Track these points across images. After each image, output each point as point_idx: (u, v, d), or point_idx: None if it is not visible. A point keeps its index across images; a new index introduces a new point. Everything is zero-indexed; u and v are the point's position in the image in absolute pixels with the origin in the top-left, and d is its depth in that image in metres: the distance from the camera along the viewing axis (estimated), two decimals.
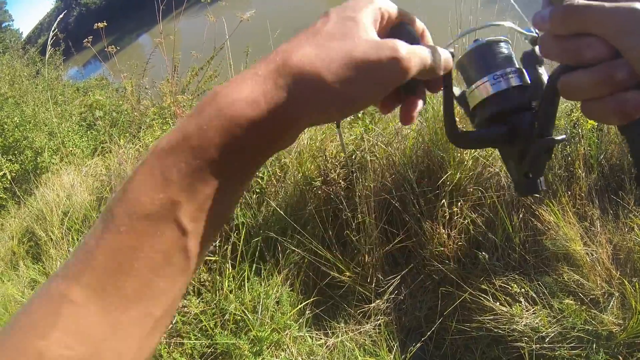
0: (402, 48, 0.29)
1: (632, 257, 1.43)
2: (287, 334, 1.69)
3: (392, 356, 1.63)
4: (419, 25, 0.36)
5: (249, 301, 1.71)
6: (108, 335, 0.25)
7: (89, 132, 3.82)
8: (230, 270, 1.88)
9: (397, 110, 0.37)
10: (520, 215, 1.58)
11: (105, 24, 3.04)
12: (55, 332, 0.24)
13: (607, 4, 0.27)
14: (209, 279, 1.86)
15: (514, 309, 1.42)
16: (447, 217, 1.65)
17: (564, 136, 0.37)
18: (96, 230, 0.27)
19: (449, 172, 1.73)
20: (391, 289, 1.76)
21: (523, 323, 1.39)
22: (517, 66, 0.37)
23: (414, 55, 0.30)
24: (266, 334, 1.64)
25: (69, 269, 0.26)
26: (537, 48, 0.36)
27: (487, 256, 1.58)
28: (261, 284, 1.79)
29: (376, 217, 1.80)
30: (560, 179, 1.57)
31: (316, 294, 1.83)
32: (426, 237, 1.70)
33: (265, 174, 2.22)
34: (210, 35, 3.16)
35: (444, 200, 1.65)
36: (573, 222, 1.49)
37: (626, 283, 1.37)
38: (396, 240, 1.76)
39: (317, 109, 0.29)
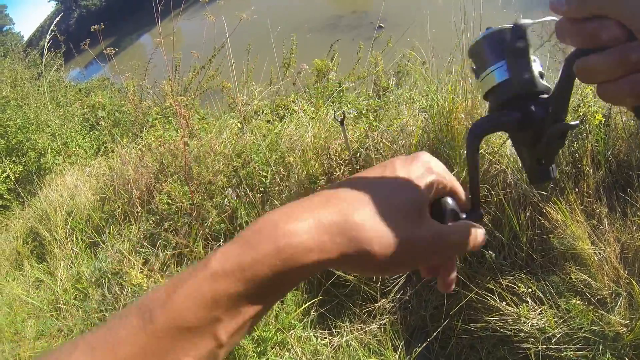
0: (444, 240, 0.32)
1: (639, 256, 1.42)
2: (291, 333, 1.68)
3: (397, 356, 1.62)
4: (463, 197, 0.38)
5: None
6: None
7: (91, 132, 3.83)
8: None
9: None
10: (528, 214, 1.56)
11: (102, 26, 3.03)
12: None
13: None
14: None
15: (520, 309, 1.40)
16: None
17: (577, 122, 0.37)
18: (130, 323, 0.27)
19: (455, 170, 1.71)
20: (397, 288, 1.75)
21: (530, 324, 1.38)
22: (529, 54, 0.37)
23: (454, 246, 0.33)
24: (270, 334, 1.63)
25: (93, 349, 0.27)
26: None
27: (493, 255, 1.56)
28: None
29: None
30: (568, 175, 1.55)
31: (321, 293, 1.82)
32: None
33: (269, 172, 2.21)
34: (211, 35, 3.17)
35: None
36: (581, 220, 1.47)
37: (634, 283, 1.35)
38: None
39: (358, 269, 0.32)
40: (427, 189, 0.34)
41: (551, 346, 1.37)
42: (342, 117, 1.85)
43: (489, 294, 1.50)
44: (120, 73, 3.88)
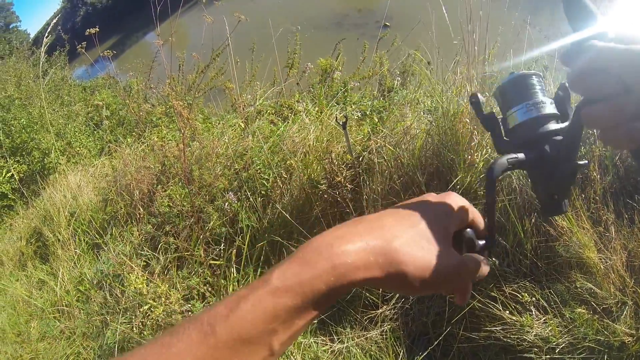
0: (462, 272, 0.39)
1: None
2: None
3: None
4: (480, 225, 0.44)
5: None
6: None
7: (95, 132, 3.86)
8: (234, 275, 1.88)
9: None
10: (532, 220, 1.55)
11: (98, 30, 3.03)
12: None
13: (620, 46, 0.32)
14: (214, 282, 1.86)
15: (524, 318, 1.39)
16: None
17: (586, 162, 0.42)
18: (189, 337, 0.30)
19: (460, 175, 1.69)
20: (398, 294, 1.74)
21: (533, 333, 1.36)
22: (545, 97, 0.42)
23: (469, 275, 0.40)
24: None
25: None
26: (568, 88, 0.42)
27: (497, 262, 1.55)
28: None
29: None
30: (574, 181, 1.53)
31: None
32: None
33: (271, 175, 2.21)
34: (215, 33, 3.17)
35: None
36: (587, 228, 1.45)
37: None
38: None
39: (395, 287, 0.37)
40: (453, 222, 0.40)
41: (555, 356, 1.36)
42: (344, 120, 1.84)
43: (492, 302, 1.49)
44: (125, 72, 3.90)
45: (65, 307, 2.07)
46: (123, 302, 1.76)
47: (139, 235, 2.09)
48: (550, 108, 0.41)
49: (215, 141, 2.50)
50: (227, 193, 2.08)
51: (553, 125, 0.41)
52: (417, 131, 2.02)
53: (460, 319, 1.56)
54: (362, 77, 3.28)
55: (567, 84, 0.41)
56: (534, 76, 0.42)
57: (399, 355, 1.62)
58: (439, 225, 0.39)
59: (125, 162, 2.53)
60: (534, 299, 1.42)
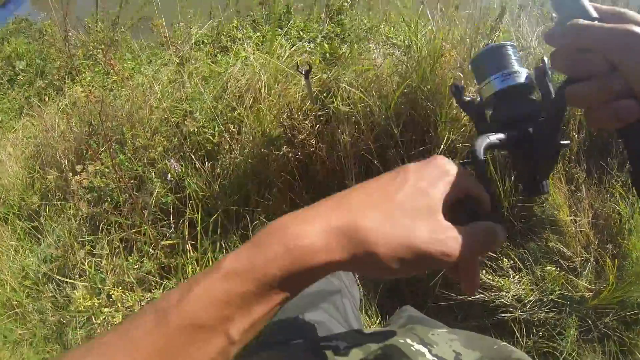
0: (456, 244, 0.30)
1: (609, 223, 1.37)
2: None
3: (370, 321, 1.59)
4: (484, 199, 0.35)
5: None
6: None
7: (10, 90, 3.08)
8: (192, 253, 1.66)
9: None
10: (512, 178, 1.44)
11: None
12: None
13: (605, 25, 0.31)
14: (171, 264, 1.64)
15: (503, 282, 1.36)
16: None
17: (568, 141, 0.40)
18: (145, 324, 0.27)
19: (440, 128, 1.49)
20: None
21: (511, 294, 1.35)
22: (522, 68, 0.39)
23: (466, 248, 0.31)
24: None
25: (110, 349, 0.27)
26: (547, 63, 0.38)
27: None
28: None
29: (356, 173, 1.57)
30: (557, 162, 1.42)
31: None
32: None
33: (216, 129, 1.87)
34: None
35: None
36: (562, 187, 1.38)
37: (602, 253, 1.33)
38: None
39: (368, 271, 0.31)
40: (440, 192, 0.32)
41: (526, 311, 1.37)
42: (307, 68, 1.52)
43: None
44: (41, 10, 3.03)
45: (16, 309, 1.76)
46: (76, 300, 1.51)
47: (77, 214, 1.77)
48: (525, 77, 0.39)
49: (147, 91, 2.06)
50: (168, 159, 1.75)
51: (535, 105, 0.39)
52: (387, 71, 1.72)
53: (437, 280, 1.50)
54: None
55: (549, 62, 0.36)
56: (509, 46, 0.40)
57: (371, 309, 1.58)
58: (418, 196, 0.31)
59: (46, 126, 2.04)
60: (511, 261, 1.38)
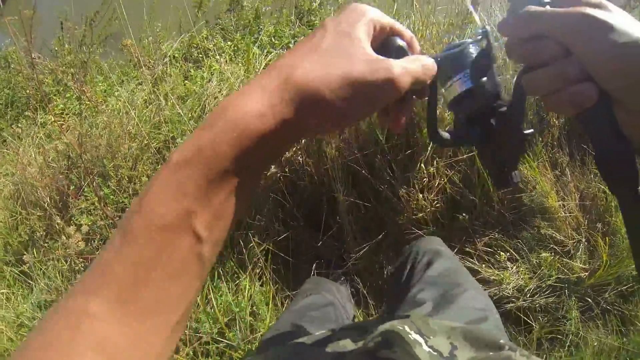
0: (396, 68, 0.30)
1: (596, 203, 1.40)
2: None
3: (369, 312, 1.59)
4: (407, 35, 0.36)
5: (222, 315, 1.51)
6: (128, 346, 0.25)
7: None
8: None
9: None
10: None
11: None
12: (77, 348, 0.24)
13: (558, 10, 0.30)
14: None
15: (503, 274, 1.38)
16: (426, 179, 1.47)
17: (532, 130, 0.39)
18: (113, 244, 0.27)
19: (424, 130, 1.48)
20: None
21: (511, 286, 1.37)
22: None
23: (406, 73, 0.31)
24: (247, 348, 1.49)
25: (87, 284, 0.26)
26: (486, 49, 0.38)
27: (467, 217, 1.48)
28: (229, 290, 1.57)
29: (345, 191, 1.57)
30: (533, 125, 1.43)
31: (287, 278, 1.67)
32: (402, 203, 1.54)
33: None
34: None
35: (421, 163, 1.44)
36: (547, 173, 1.40)
37: (593, 232, 1.36)
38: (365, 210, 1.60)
39: (317, 122, 0.30)
40: (362, 30, 0.31)
41: (526, 299, 1.40)
42: None
43: (469, 258, 1.45)
44: (4, 36, 2.88)
45: None
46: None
47: (65, 255, 1.71)
48: (494, 76, 0.39)
49: (123, 117, 2.00)
50: None
51: (494, 97, 0.39)
52: None
53: None
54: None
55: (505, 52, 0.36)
56: (471, 45, 0.39)
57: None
58: (345, 36, 0.31)
59: (23, 163, 1.96)
60: (508, 254, 1.41)
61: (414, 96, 0.38)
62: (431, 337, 0.48)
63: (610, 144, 0.31)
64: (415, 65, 0.32)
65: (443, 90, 0.40)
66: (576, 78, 0.30)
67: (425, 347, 0.45)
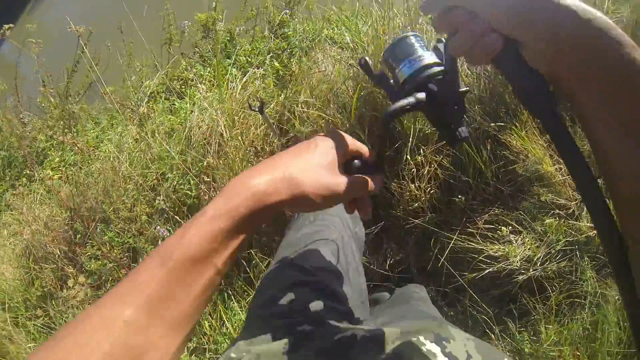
0: (343, 186, 0.45)
1: (591, 159, 1.37)
2: None
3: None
4: (365, 152, 0.50)
5: (237, 333, 1.50)
6: (150, 348, 0.33)
7: None
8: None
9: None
10: (489, 147, 1.44)
11: None
12: (106, 347, 0.31)
13: None
14: None
15: (508, 248, 1.36)
16: (414, 169, 1.47)
17: (467, 87, 0.46)
18: (150, 267, 0.36)
19: (405, 122, 1.48)
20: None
21: (518, 259, 1.35)
22: (425, 51, 0.46)
23: (350, 190, 0.45)
24: None
25: (122, 295, 0.34)
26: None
27: (463, 198, 1.46)
28: (241, 309, 1.57)
29: None
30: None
31: None
32: (396, 197, 1.54)
33: (191, 182, 1.82)
34: (77, 18, 2.39)
35: (406, 155, 1.44)
36: (537, 139, 1.38)
37: None
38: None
39: (298, 205, 0.43)
40: (338, 153, 0.46)
41: (537, 268, 1.37)
42: (259, 104, 1.50)
43: (471, 238, 1.43)
44: None
45: None
46: None
47: (84, 300, 1.73)
48: (430, 58, 0.45)
49: (115, 161, 2.02)
50: (154, 226, 1.73)
51: (433, 68, 0.44)
52: (339, 79, 1.71)
53: (445, 261, 1.50)
54: (247, 18, 2.76)
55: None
56: (411, 36, 0.46)
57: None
58: (326, 155, 0.45)
59: (29, 221, 1.99)
60: (510, 227, 1.39)
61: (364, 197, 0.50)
62: (450, 341, 0.48)
63: (522, 77, 0.37)
64: (357, 185, 0.46)
65: (396, 72, 0.47)
66: (483, 33, 0.36)
67: (441, 356, 0.45)
